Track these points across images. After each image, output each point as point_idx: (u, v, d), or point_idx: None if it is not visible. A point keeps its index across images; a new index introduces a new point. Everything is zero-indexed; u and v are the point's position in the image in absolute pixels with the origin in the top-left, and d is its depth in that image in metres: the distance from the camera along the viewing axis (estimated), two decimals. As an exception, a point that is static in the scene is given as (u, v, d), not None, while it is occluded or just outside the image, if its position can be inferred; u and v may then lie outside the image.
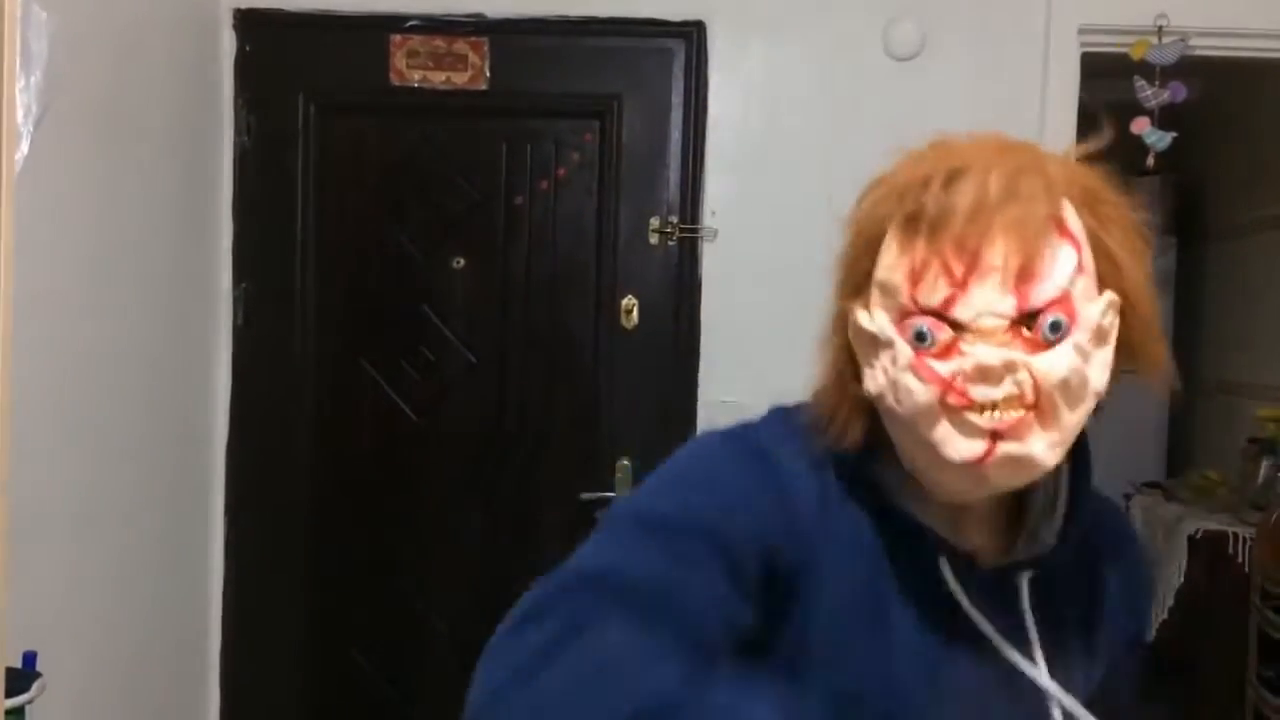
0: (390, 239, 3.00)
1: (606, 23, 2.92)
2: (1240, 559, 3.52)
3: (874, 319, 0.92)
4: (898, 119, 2.91)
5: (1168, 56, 2.81)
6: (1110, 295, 0.91)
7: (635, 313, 2.94)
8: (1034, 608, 0.98)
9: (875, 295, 0.93)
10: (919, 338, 0.89)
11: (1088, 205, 0.92)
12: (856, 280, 0.95)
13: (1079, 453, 0.99)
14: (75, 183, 2.24)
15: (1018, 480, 0.90)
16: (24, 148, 1.81)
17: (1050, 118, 2.89)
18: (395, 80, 2.95)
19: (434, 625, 3.02)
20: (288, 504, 3.01)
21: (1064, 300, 0.88)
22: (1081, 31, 2.89)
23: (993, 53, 2.91)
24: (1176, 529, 3.69)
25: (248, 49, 2.96)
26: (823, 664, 0.95)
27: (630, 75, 2.94)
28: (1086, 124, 2.94)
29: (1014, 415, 0.87)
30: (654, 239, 2.93)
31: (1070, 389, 0.88)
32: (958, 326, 0.88)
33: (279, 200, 2.98)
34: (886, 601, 0.96)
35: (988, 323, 0.87)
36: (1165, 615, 3.70)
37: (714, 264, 2.93)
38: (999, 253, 0.87)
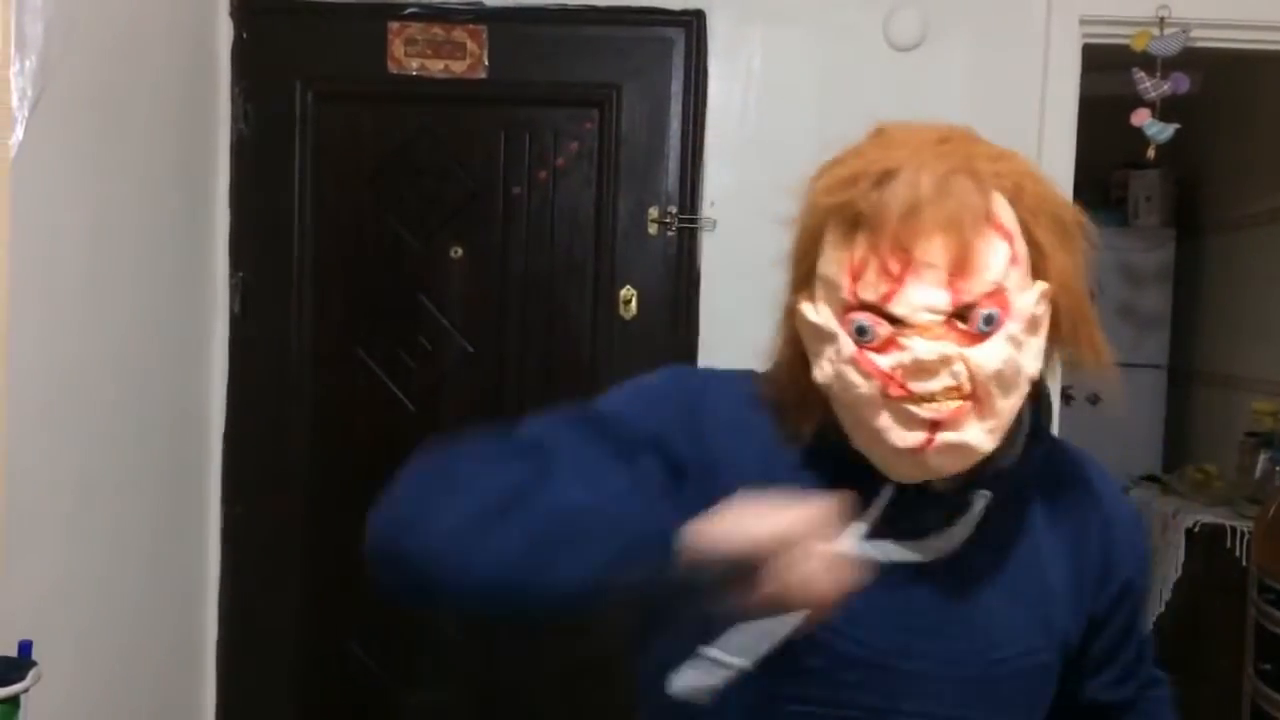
0: (388, 228, 2.99)
1: (606, 11, 2.91)
2: (1238, 552, 3.52)
3: (819, 312, 0.98)
4: (898, 109, 2.89)
5: (1169, 48, 2.80)
6: (1041, 285, 0.96)
7: (634, 303, 2.93)
8: (983, 530, 1.01)
9: (819, 289, 0.98)
10: (860, 332, 0.94)
11: (1019, 197, 0.96)
12: (803, 274, 1.00)
13: (1038, 394, 1.04)
14: (71, 169, 2.22)
15: (958, 466, 0.96)
16: (19, 133, 1.80)
17: (1051, 108, 2.88)
18: (393, 68, 2.94)
19: (432, 617, 3.01)
20: (284, 494, 3.01)
21: (997, 293, 0.93)
22: (1083, 23, 2.88)
23: (994, 43, 2.90)
24: (1174, 523, 3.69)
25: (245, 36, 2.94)
26: None
27: (629, 64, 2.93)
28: (1087, 114, 2.94)
29: (952, 405, 0.92)
30: (653, 229, 2.92)
31: (1004, 378, 0.93)
32: (896, 321, 0.93)
33: (276, 188, 2.96)
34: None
35: (924, 318, 0.92)
36: (1163, 609, 3.70)
37: (713, 254, 2.92)
38: (933, 249, 0.92)
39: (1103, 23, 2.88)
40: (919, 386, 0.92)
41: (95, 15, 2.26)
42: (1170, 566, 3.66)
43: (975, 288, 0.92)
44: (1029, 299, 0.95)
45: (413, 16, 2.93)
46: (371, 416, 3.00)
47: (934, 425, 0.92)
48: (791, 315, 1.02)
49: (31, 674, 1.86)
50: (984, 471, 0.99)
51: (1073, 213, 1.00)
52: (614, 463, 0.98)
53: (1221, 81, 4.05)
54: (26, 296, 1.96)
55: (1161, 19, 2.81)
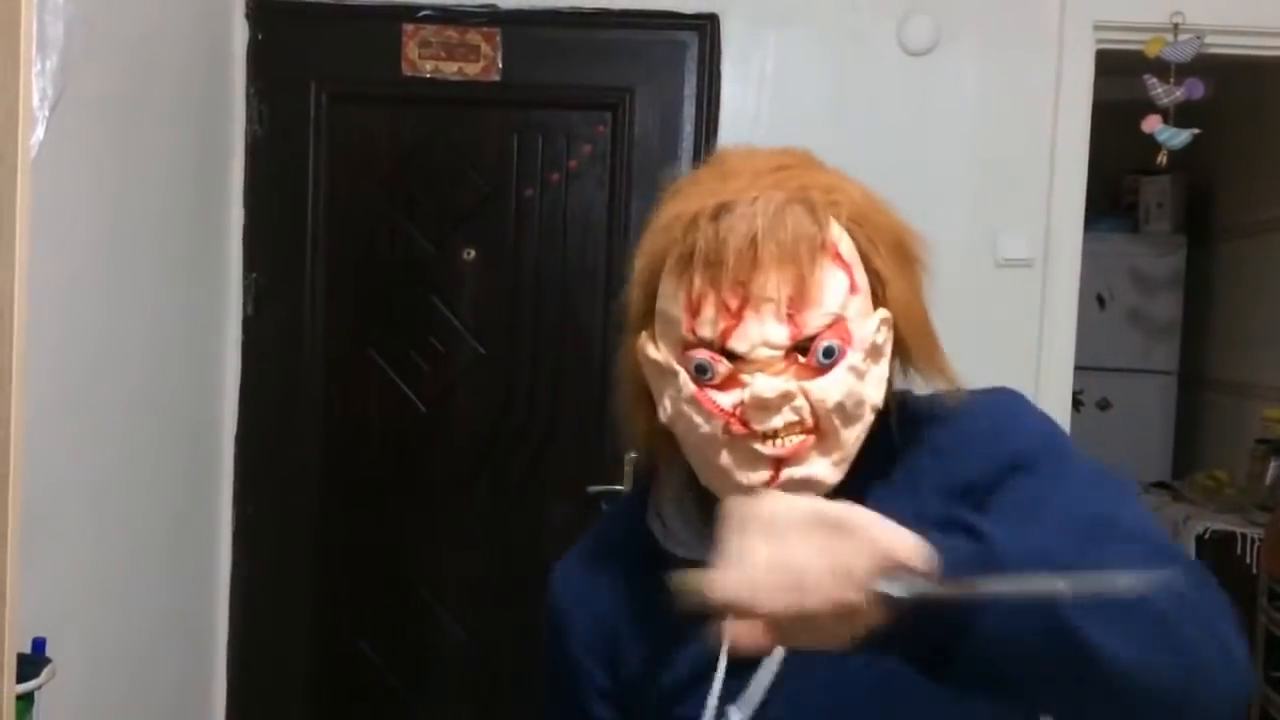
0: (400, 230, 3.00)
1: (619, 15, 2.92)
2: (1248, 559, 3.51)
3: (659, 350, 0.95)
4: (911, 114, 2.91)
5: (1182, 54, 2.80)
6: (882, 313, 0.94)
7: (645, 306, 2.93)
8: None
9: (658, 326, 0.96)
10: (699, 370, 0.92)
11: (857, 223, 0.94)
12: (641, 311, 0.98)
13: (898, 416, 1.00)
14: (89, 168, 2.24)
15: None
16: (40, 132, 1.81)
17: (1064, 114, 2.89)
18: (407, 70, 2.95)
19: (441, 616, 3.02)
20: (296, 493, 3.02)
21: (838, 324, 0.91)
22: (1096, 28, 2.88)
23: (1007, 48, 2.90)
24: (1184, 529, 3.69)
25: (260, 38, 2.95)
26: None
27: (643, 67, 2.94)
28: (1099, 119, 2.94)
29: (794, 440, 0.91)
30: (665, 232, 2.92)
31: (846, 410, 0.92)
32: (735, 358, 0.91)
33: (290, 190, 2.97)
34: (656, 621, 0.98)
35: (763, 354, 0.90)
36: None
37: (724, 258, 2.92)
38: (770, 284, 0.90)
39: (1116, 28, 2.88)
40: (761, 423, 0.90)
41: (114, 17, 2.28)
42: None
43: (814, 320, 0.90)
44: (869, 327, 0.93)
45: (427, 19, 2.94)
46: (383, 417, 3.01)
47: (778, 462, 0.91)
48: (632, 353, 0.99)
49: (45, 671, 1.88)
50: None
51: (911, 235, 0.98)
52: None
53: (1234, 87, 4.04)
54: (44, 294, 1.98)
55: (1175, 25, 2.81)
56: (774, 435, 0.90)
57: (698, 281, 0.91)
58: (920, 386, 1.01)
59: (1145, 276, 4.94)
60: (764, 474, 0.91)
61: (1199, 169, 4.79)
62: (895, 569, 0.70)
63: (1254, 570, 3.49)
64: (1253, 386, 4.37)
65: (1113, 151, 3.22)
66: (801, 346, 0.91)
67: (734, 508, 0.74)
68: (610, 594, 1.04)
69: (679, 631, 0.94)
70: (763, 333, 0.90)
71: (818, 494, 0.89)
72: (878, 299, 0.95)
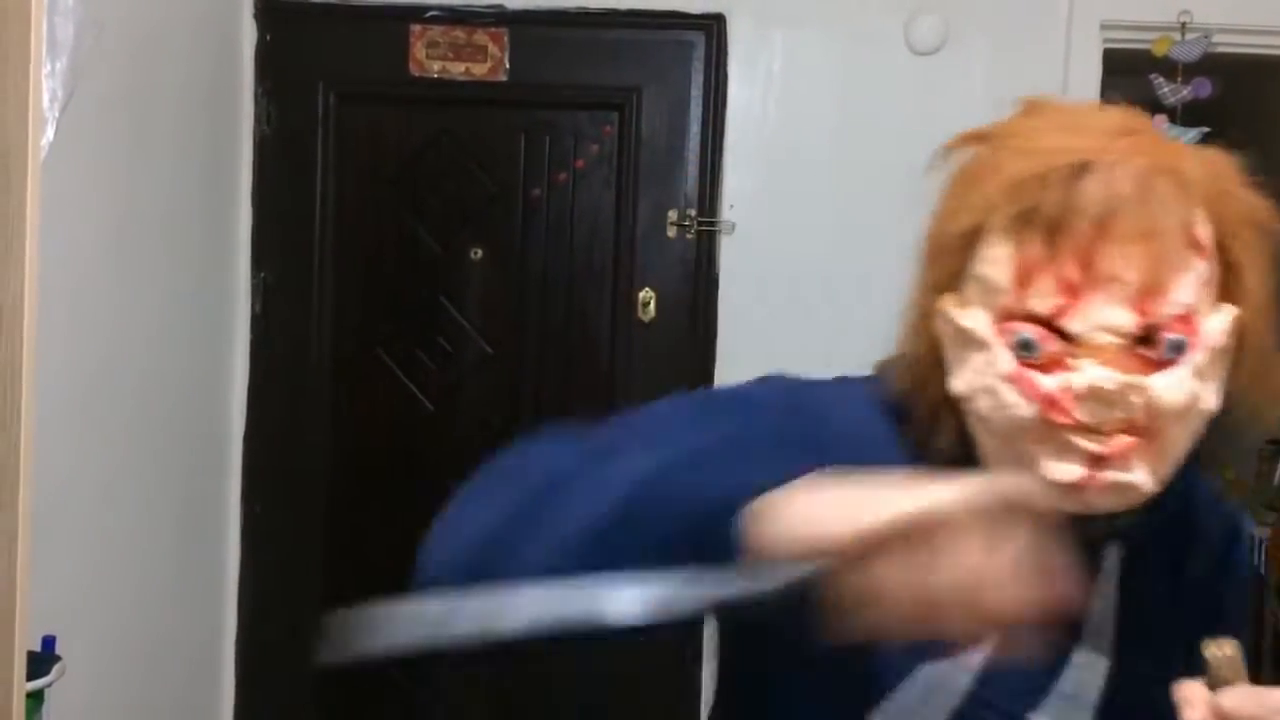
0: (408, 229, 3.00)
1: (626, 15, 2.92)
2: (1256, 560, 3.51)
3: (970, 317, 0.84)
4: (918, 114, 2.91)
5: (1190, 53, 2.80)
6: (1232, 311, 0.83)
7: (652, 305, 2.93)
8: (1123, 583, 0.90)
9: (974, 289, 0.84)
10: (1023, 346, 0.81)
11: (1219, 207, 0.83)
12: (948, 271, 0.86)
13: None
14: (98, 169, 2.25)
15: (1118, 506, 0.83)
16: (50, 133, 1.82)
17: (1071, 114, 2.88)
18: (415, 71, 2.96)
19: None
20: (304, 492, 3.02)
21: (1188, 317, 0.80)
22: (1104, 27, 2.88)
23: (1015, 48, 2.90)
24: (1192, 528, 3.68)
25: (268, 39, 2.96)
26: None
27: (649, 68, 2.94)
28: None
29: (1122, 441, 0.79)
30: (672, 232, 2.93)
31: (1185, 414, 0.81)
32: (1067, 338, 0.80)
33: (298, 190, 2.98)
34: None
35: (1103, 339, 0.79)
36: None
37: (732, 257, 2.92)
38: (1123, 262, 0.79)
39: (1124, 28, 2.88)
40: (1091, 416, 0.78)
41: (123, 18, 2.29)
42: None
43: (1165, 310, 0.79)
44: (1218, 325, 0.81)
45: (434, 19, 2.94)
46: (390, 416, 3.02)
47: (1098, 460, 0.79)
48: (925, 317, 0.87)
49: (55, 669, 1.88)
50: (1109, 519, 0.86)
51: (1268, 220, 0.85)
52: (704, 423, 0.84)
53: (1242, 87, 4.03)
54: (54, 294, 1.98)
55: (1183, 24, 2.80)
56: (1100, 431, 0.79)
57: (1036, 247, 0.80)
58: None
59: (1153, 276, 4.92)
60: (1079, 471, 0.79)
61: (1207, 168, 4.77)
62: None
63: (1262, 571, 3.48)
64: (1261, 386, 4.36)
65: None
66: (1143, 337, 0.80)
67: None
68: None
69: None
70: (1106, 315, 0.79)
71: (1131, 503, 0.82)
72: (1226, 294, 0.83)
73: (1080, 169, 0.80)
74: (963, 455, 0.86)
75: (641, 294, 2.93)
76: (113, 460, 2.36)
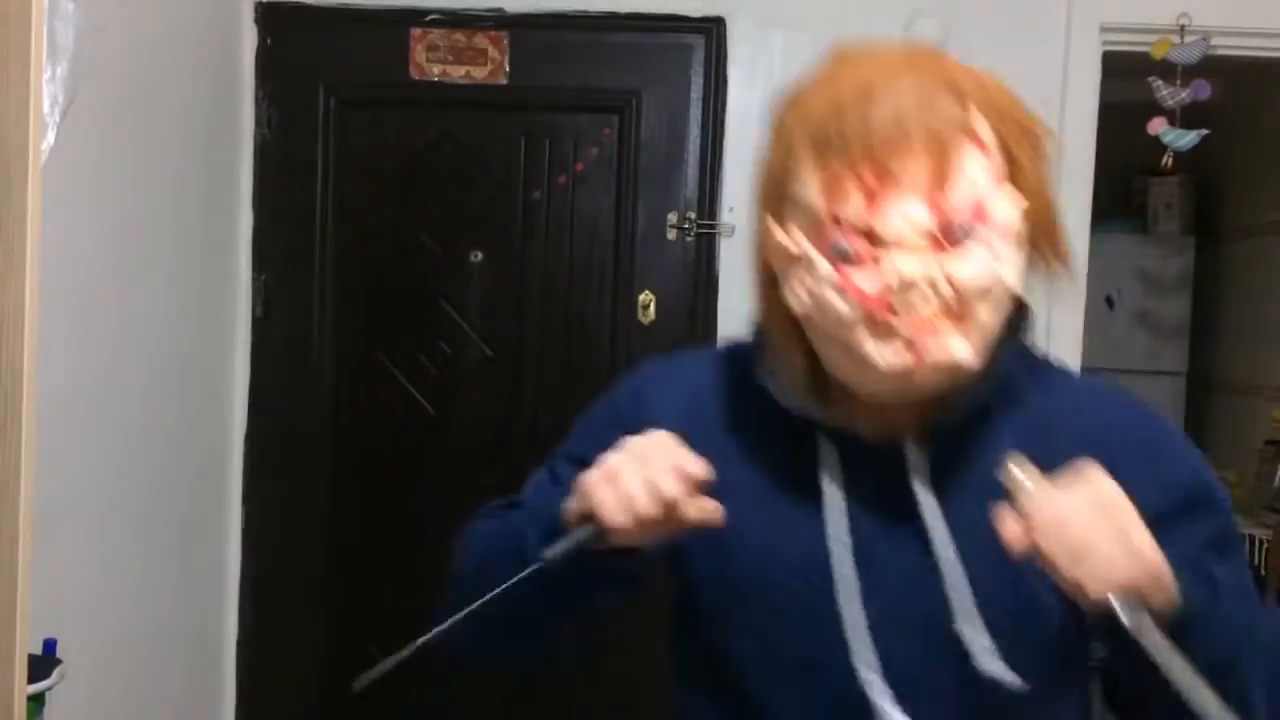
0: (408, 232, 3.01)
1: (626, 18, 2.92)
2: (1256, 561, 3.50)
3: (791, 236, 0.95)
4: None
5: (1189, 56, 2.80)
6: (1017, 195, 0.95)
7: (652, 308, 2.94)
8: (940, 480, 0.98)
9: (791, 212, 0.95)
10: (839, 253, 0.92)
11: (993, 109, 0.95)
12: (774, 201, 0.98)
13: (1018, 319, 1.02)
14: (99, 173, 2.25)
15: (944, 383, 0.94)
16: (50, 138, 1.83)
17: (1071, 115, 2.88)
18: (415, 74, 2.96)
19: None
20: (304, 495, 3.03)
21: (977, 207, 0.92)
22: (1103, 30, 2.88)
23: (1014, 50, 2.89)
24: (1192, 530, 3.68)
25: (269, 42, 2.97)
26: (706, 555, 1.03)
27: (649, 71, 2.94)
28: (1107, 121, 2.94)
29: (936, 321, 0.90)
30: (672, 235, 2.93)
31: (987, 291, 0.92)
32: (876, 240, 0.90)
33: (299, 193, 2.99)
34: (772, 491, 1.02)
35: (905, 234, 0.90)
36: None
37: (731, 260, 2.93)
38: (914, 165, 0.90)
39: (1123, 30, 2.88)
40: (903, 303, 0.90)
41: (123, 23, 2.29)
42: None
43: (956, 202, 0.91)
44: (1006, 210, 0.94)
45: (435, 23, 2.95)
46: (391, 419, 3.02)
47: (920, 343, 0.91)
48: (763, 249, 1.00)
49: (56, 672, 1.89)
50: (925, 417, 0.98)
51: (1040, 124, 0.99)
52: (547, 489, 1.13)
53: (1242, 89, 4.04)
54: (56, 298, 1.99)
55: (1182, 27, 2.81)
56: (915, 316, 0.90)
57: (839, 164, 0.91)
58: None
59: (1154, 278, 4.93)
60: (906, 355, 0.91)
61: (1208, 170, 4.78)
62: (1139, 595, 0.83)
63: (1262, 572, 3.48)
64: (1261, 387, 4.36)
65: (1122, 153, 3.22)
66: (941, 228, 0.91)
67: (1076, 473, 0.86)
68: (697, 426, 1.03)
69: (796, 504, 1.00)
70: (906, 214, 0.90)
71: (957, 378, 0.94)
72: (1010, 181, 0.95)
73: (866, 93, 0.91)
74: (814, 369, 0.99)
75: (641, 297, 2.94)
76: (114, 463, 2.36)
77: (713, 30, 2.91)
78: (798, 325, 0.98)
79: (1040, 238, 0.98)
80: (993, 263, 0.92)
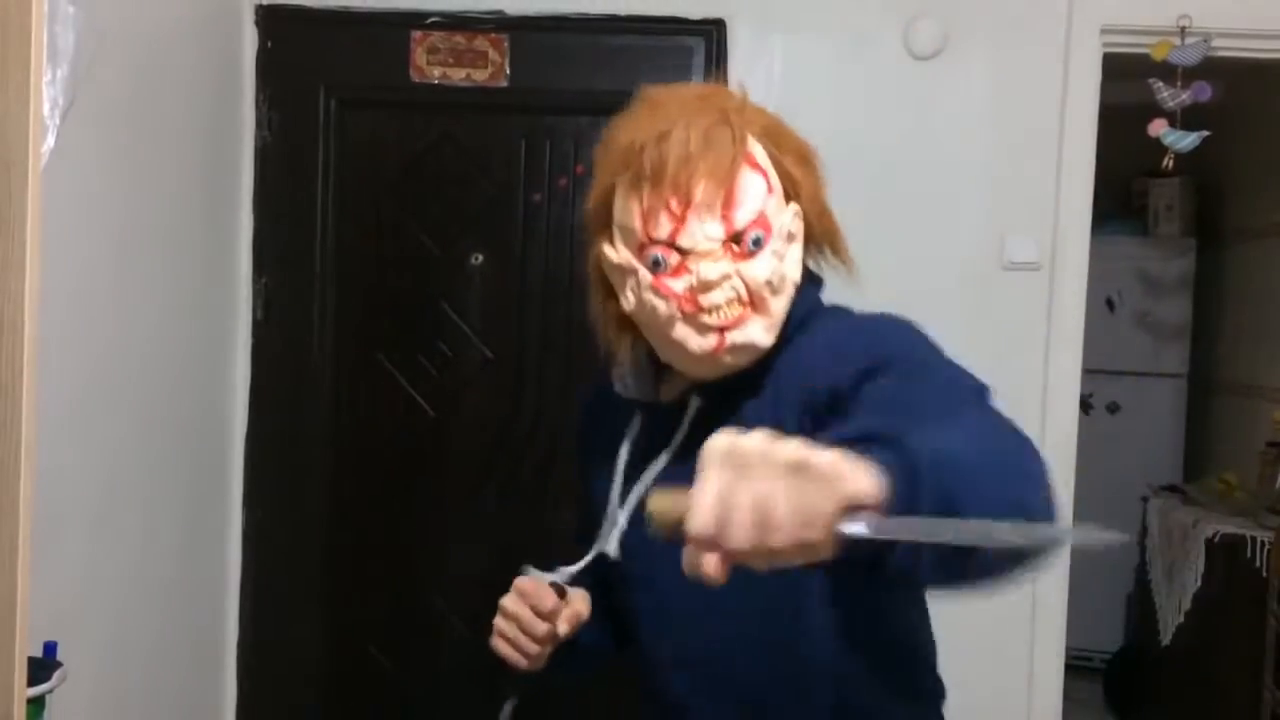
0: (409, 235, 3.01)
1: (627, 20, 2.92)
2: (1258, 563, 3.50)
3: (619, 252, 1.20)
4: (918, 118, 2.91)
5: (1190, 57, 2.80)
6: (794, 206, 1.20)
7: (653, 310, 2.94)
8: (706, 424, 1.11)
9: (617, 234, 1.20)
10: (655, 264, 1.16)
11: (769, 138, 1.19)
12: (601, 226, 1.23)
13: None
14: (99, 176, 2.25)
15: (745, 359, 1.18)
16: (50, 141, 1.83)
17: (1071, 117, 2.88)
18: (415, 77, 2.96)
19: (450, 620, 3.03)
20: (305, 498, 3.03)
21: (760, 219, 1.16)
22: (1103, 31, 2.88)
23: (1014, 52, 2.90)
24: (1194, 532, 3.68)
25: (269, 45, 2.97)
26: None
27: (650, 73, 2.93)
28: (1107, 123, 2.94)
29: (734, 312, 1.15)
30: (672, 236, 2.93)
31: (773, 284, 1.16)
32: (683, 251, 1.15)
33: (299, 195, 2.99)
34: (610, 461, 1.29)
35: (705, 246, 1.15)
36: (1182, 619, 3.68)
37: (732, 262, 2.92)
38: (706, 191, 1.14)
39: (1123, 32, 2.88)
40: (706, 300, 1.14)
41: (123, 25, 2.29)
42: (1190, 577, 3.65)
43: (742, 217, 1.15)
44: (785, 218, 1.18)
45: (435, 25, 2.95)
46: (391, 421, 3.02)
47: (722, 330, 1.15)
48: (597, 261, 1.24)
49: (57, 675, 1.88)
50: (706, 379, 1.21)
51: (809, 147, 1.23)
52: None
53: (1243, 90, 4.03)
54: (56, 300, 1.99)
55: (1182, 28, 2.81)
56: (717, 309, 1.14)
57: (648, 194, 1.15)
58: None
59: (1155, 279, 4.93)
60: (712, 340, 1.16)
61: (1209, 172, 4.78)
62: (854, 509, 0.75)
63: (1264, 573, 3.47)
64: (1263, 389, 4.36)
65: (1123, 155, 3.22)
66: (734, 238, 1.15)
67: (712, 444, 0.76)
68: (595, 427, 1.37)
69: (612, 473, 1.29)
70: (703, 229, 1.15)
71: (755, 355, 1.18)
72: (789, 196, 1.20)
73: (664, 135, 1.14)
74: (641, 359, 1.26)
75: (642, 299, 2.94)
76: (114, 465, 2.36)
77: (713, 32, 2.91)
78: (630, 325, 1.23)
79: (820, 239, 1.23)
80: (777, 263, 1.16)
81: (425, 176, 3.00)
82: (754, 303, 1.15)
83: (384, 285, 3.02)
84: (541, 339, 3.00)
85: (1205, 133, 2.82)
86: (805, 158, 1.22)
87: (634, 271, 1.18)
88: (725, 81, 2.92)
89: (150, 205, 2.48)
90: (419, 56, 2.96)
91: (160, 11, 2.50)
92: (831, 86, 2.93)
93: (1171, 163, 2.88)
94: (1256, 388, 4.44)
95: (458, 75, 2.96)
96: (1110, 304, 4.83)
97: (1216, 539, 3.60)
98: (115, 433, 2.36)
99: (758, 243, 1.15)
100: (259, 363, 3.01)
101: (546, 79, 2.95)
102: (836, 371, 1.09)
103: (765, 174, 1.17)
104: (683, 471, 0.98)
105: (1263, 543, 3.51)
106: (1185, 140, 2.83)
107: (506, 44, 2.94)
